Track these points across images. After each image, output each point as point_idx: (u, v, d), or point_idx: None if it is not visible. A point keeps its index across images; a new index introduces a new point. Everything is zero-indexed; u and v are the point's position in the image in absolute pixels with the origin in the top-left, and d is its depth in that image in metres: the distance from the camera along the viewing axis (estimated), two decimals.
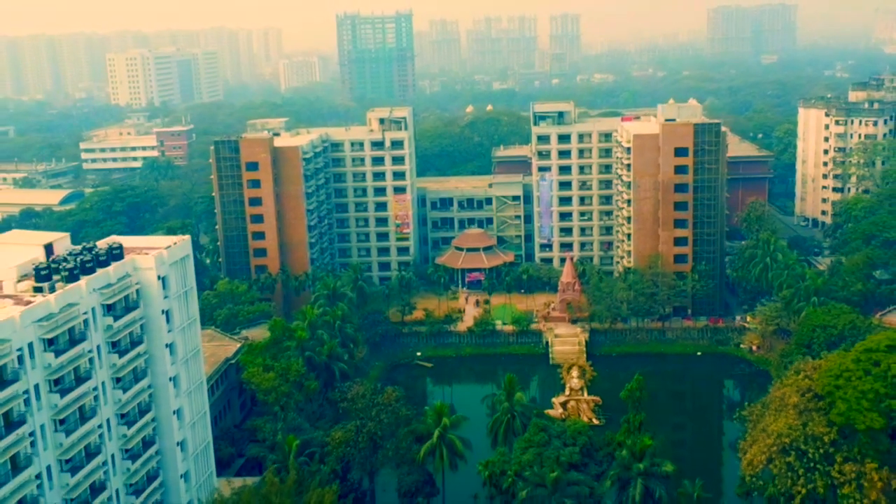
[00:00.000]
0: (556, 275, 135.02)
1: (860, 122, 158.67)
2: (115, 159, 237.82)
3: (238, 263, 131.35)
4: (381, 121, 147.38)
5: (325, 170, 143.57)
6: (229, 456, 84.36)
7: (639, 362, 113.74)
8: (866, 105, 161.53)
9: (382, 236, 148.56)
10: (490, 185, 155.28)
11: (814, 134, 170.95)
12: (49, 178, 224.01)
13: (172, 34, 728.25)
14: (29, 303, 54.33)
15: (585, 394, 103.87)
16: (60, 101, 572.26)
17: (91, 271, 58.75)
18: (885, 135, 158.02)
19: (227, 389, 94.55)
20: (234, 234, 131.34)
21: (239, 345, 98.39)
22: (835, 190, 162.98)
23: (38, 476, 52.55)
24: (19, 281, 58.77)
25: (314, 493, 59.78)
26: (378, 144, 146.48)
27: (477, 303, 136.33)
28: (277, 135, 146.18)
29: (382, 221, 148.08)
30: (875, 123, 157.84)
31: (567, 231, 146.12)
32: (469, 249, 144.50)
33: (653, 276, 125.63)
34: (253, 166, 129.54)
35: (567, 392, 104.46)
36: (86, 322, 56.96)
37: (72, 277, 57.35)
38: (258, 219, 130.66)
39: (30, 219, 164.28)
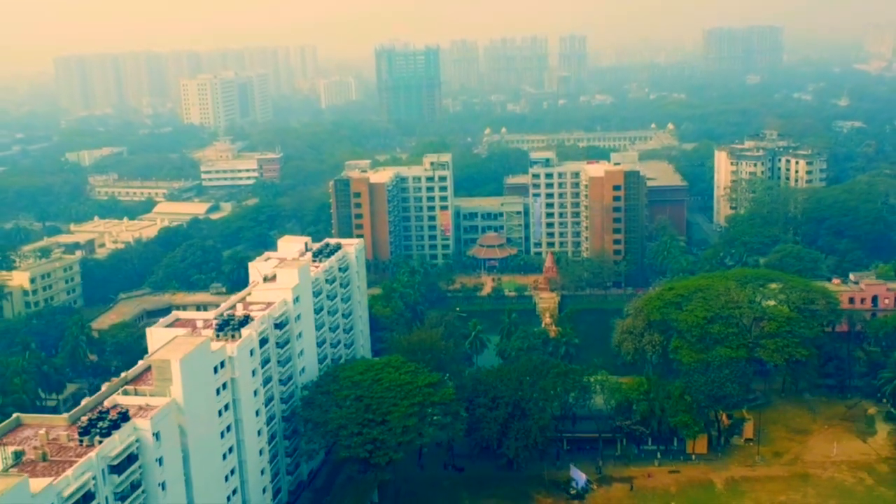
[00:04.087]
0: (542, 262, 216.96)
1: (746, 163, 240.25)
2: (226, 178, 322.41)
3: None
4: (432, 164, 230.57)
5: (397, 195, 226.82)
6: None
7: (590, 314, 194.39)
8: (751, 151, 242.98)
9: (432, 237, 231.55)
10: (502, 204, 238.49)
11: (723, 168, 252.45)
12: (182, 193, 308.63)
13: (222, 54, 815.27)
14: (317, 266, 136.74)
15: (553, 325, 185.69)
16: (130, 116, 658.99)
17: (333, 254, 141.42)
18: (762, 172, 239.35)
19: None
20: (344, 235, 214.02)
21: None
22: (732, 208, 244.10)
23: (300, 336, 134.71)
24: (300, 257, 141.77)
25: (429, 331, 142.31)
26: (430, 179, 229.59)
27: (493, 279, 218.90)
28: (365, 171, 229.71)
29: (432, 228, 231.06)
30: (755, 164, 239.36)
31: (551, 234, 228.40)
32: (488, 246, 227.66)
33: (600, 262, 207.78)
34: (357, 195, 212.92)
35: (543, 325, 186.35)
36: (334, 277, 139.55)
37: (327, 256, 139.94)
38: (359, 227, 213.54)
39: (198, 224, 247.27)
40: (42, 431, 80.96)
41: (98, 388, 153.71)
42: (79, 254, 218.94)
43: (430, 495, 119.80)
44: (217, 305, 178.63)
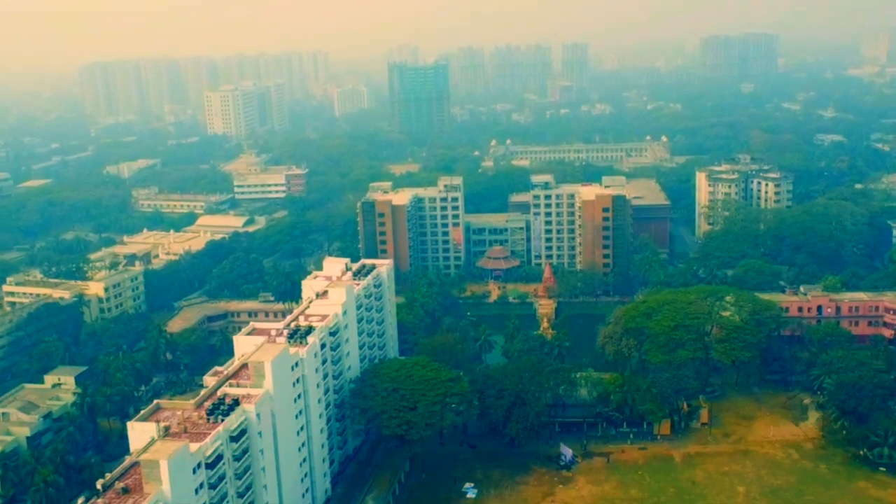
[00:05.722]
0: (542, 272, 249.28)
1: (721, 184, 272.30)
2: (257, 192, 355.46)
3: None
4: (446, 186, 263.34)
5: (415, 214, 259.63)
6: None
7: (582, 318, 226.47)
8: (726, 174, 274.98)
9: (446, 250, 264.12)
10: (507, 221, 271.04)
11: (703, 188, 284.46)
12: (218, 206, 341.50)
13: (238, 61, 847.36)
14: (357, 284, 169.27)
15: (550, 329, 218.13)
16: (153, 123, 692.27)
17: (369, 273, 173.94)
18: (736, 193, 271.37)
19: None
20: (370, 249, 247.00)
21: None
22: (709, 224, 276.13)
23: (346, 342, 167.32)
24: (342, 276, 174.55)
25: (448, 335, 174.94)
26: (444, 199, 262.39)
27: (499, 287, 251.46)
28: (387, 192, 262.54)
29: (446, 242, 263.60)
30: (730, 186, 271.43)
31: (549, 248, 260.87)
32: (495, 258, 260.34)
33: (592, 274, 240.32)
34: (381, 215, 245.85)
35: (541, 329, 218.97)
36: (370, 293, 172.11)
37: (364, 275, 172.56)
38: (383, 242, 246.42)
39: (238, 238, 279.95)
40: (179, 413, 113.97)
41: (172, 381, 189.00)
42: (138, 265, 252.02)
43: (450, 466, 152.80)
44: (266, 312, 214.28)
